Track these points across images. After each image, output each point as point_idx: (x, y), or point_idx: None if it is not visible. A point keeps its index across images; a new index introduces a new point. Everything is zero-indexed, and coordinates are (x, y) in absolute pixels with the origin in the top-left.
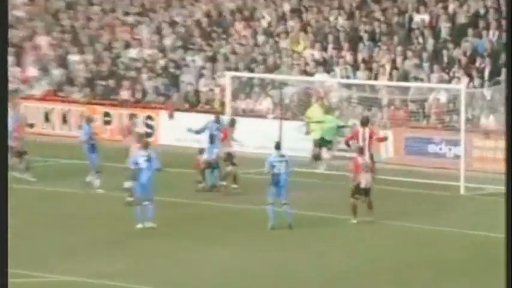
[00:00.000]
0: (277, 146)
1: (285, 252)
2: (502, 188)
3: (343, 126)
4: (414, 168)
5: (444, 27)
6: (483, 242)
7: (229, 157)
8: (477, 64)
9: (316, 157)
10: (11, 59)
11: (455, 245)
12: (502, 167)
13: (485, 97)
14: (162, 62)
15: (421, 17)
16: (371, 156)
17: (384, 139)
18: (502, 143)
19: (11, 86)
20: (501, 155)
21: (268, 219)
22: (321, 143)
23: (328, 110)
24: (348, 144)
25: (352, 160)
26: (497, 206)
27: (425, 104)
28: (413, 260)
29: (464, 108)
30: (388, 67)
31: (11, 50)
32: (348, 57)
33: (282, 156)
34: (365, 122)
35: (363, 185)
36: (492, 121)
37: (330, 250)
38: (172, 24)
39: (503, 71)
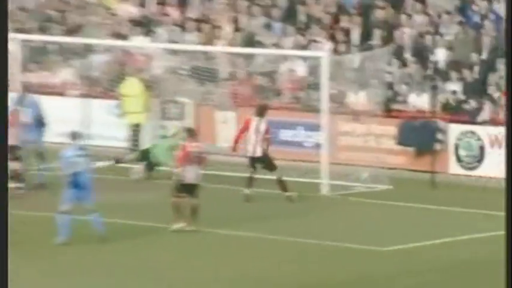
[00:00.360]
0: (75, 136)
1: (76, 275)
2: (376, 187)
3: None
4: None
5: None
6: (359, 258)
7: (14, 150)
8: (343, 24)
9: (118, 161)
10: None
11: (324, 263)
12: (374, 158)
13: (353, 68)
14: None
15: None
16: (263, 154)
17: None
18: (375, 128)
19: None
20: (374, 143)
21: (58, 232)
22: (147, 158)
23: (147, 85)
24: (235, 144)
25: (181, 147)
26: (370, 209)
27: (276, 77)
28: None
29: (326, 82)
30: (228, 28)
31: None
32: (175, 15)
33: (82, 149)
34: (261, 111)
35: (188, 180)
36: (362, 98)
37: (133, 270)
38: None
39: (377, 32)
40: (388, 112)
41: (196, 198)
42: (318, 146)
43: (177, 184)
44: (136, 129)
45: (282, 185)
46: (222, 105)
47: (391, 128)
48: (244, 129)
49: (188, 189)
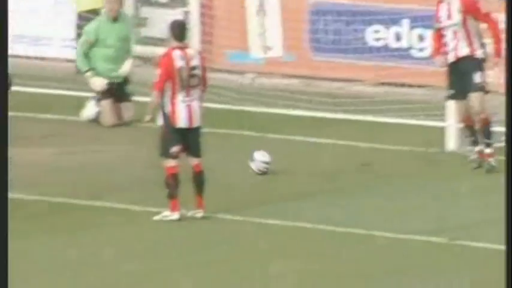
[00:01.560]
0: None
1: None
2: None
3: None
4: (333, 86)
5: None
6: None
7: None
8: None
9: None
10: None
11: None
12: None
13: None
14: None
15: None
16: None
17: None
18: None
19: None
20: None
21: None
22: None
23: None
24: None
25: (163, 59)
26: None
27: None
28: None
29: None
30: None
31: None
32: None
33: None
34: None
35: (180, 122)
36: None
37: None
38: None
39: None
40: None
41: (199, 157)
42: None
43: (164, 131)
44: (87, 21)
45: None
46: None
47: None
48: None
49: (184, 139)
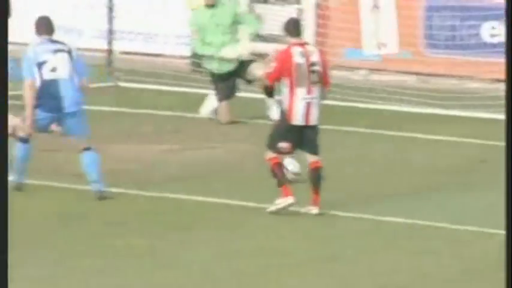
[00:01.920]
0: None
1: None
2: None
3: None
4: (448, 82)
5: None
6: None
7: None
8: None
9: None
10: None
11: None
12: None
13: None
14: None
15: None
16: None
17: None
18: None
19: None
20: None
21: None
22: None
23: None
24: None
25: (281, 54)
26: None
27: None
28: None
29: None
30: None
31: None
32: None
33: (58, 43)
34: None
35: (296, 120)
36: None
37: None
38: None
39: None
40: None
41: (316, 154)
42: None
43: (278, 126)
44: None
45: None
46: None
47: None
48: None
49: (300, 136)
